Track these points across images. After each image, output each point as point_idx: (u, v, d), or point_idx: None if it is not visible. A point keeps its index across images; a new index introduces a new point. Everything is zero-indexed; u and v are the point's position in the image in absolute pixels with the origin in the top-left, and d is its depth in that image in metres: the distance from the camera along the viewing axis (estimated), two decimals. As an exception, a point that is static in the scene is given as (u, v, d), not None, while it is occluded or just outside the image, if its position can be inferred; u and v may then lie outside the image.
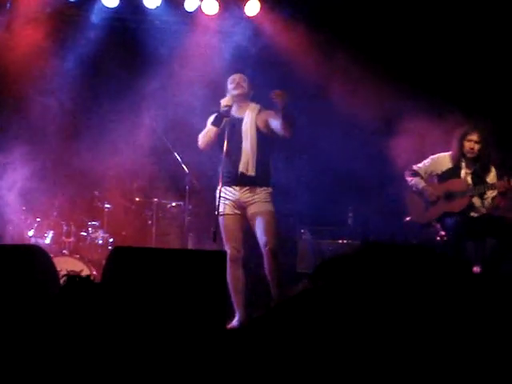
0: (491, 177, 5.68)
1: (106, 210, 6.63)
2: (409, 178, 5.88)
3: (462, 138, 5.67)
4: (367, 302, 0.65)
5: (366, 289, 0.66)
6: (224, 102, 5.29)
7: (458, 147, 5.69)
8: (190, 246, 6.79)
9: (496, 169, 5.71)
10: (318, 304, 0.69)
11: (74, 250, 6.30)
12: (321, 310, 0.68)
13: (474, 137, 5.64)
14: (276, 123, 5.25)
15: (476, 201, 5.65)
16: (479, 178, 5.67)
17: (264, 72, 6.61)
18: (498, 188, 5.48)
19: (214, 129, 5.31)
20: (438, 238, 5.85)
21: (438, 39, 6.98)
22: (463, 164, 5.74)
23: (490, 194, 5.59)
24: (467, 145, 5.65)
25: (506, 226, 5.40)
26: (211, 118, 5.41)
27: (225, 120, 5.27)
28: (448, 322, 0.64)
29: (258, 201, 5.26)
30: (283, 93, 5.05)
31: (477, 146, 5.64)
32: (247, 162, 5.24)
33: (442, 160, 5.82)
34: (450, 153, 5.79)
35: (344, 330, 0.65)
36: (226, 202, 5.25)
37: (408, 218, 5.97)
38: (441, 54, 7.02)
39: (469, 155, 5.66)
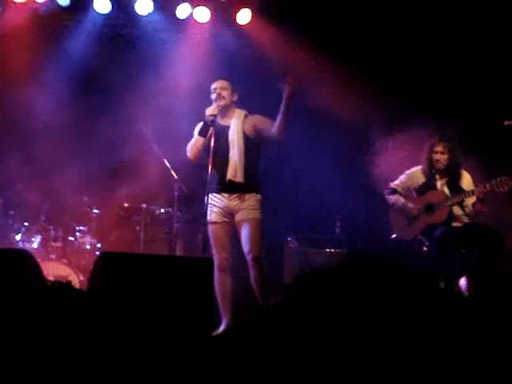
0: (466, 183, 5.73)
1: (95, 215, 6.62)
2: (388, 197, 5.95)
3: (430, 151, 5.75)
4: (340, 321, 0.66)
5: (341, 308, 0.67)
6: (209, 111, 5.24)
7: (427, 160, 5.77)
8: (178, 253, 6.78)
9: (469, 174, 5.77)
10: (288, 318, 0.70)
11: (61, 255, 6.28)
12: (290, 325, 0.69)
13: (440, 148, 5.72)
14: (268, 125, 5.22)
15: (456, 210, 5.70)
16: (455, 186, 5.73)
17: (254, 79, 6.65)
18: (476, 194, 5.52)
19: (201, 139, 5.29)
20: (425, 249, 5.89)
21: (410, 44, 7.07)
22: (437, 176, 5.80)
23: (469, 200, 5.63)
24: (434, 157, 5.73)
25: (490, 234, 5.44)
26: (197, 128, 5.41)
27: (211, 129, 5.24)
28: (427, 346, 0.65)
29: (246, 207, 5.26)
30: (294, 80, 4.99)
31: (443, 157, 5.71)
32: (235, 169, 5.22)
33: (417, 174, 5.89)
34: (421, 166, 5.87)
35: (312, 347, 0.66)
36: (214, 209, 5.25)
37: (393, 236, 6.01)
38: (413, 58, 7.10)
39: (437, 166, 5.73)
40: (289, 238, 7.01)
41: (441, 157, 5.70)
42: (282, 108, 5.07)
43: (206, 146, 5.28)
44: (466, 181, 5.74)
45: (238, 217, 5.27)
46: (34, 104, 6.79)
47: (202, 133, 5.28)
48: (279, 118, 5.10)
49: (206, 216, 5.24)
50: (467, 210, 5.65)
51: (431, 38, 7.00)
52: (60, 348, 1.08)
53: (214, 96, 5.33)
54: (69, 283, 1.12)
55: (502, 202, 5.83)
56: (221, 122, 5.33)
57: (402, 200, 5.88)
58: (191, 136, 5.43)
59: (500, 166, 5.83)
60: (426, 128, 6.14)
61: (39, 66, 6.98)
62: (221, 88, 5.34)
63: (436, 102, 6.86)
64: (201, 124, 5.37)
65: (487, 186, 5.41)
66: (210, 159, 5.23)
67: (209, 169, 5.32)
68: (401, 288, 0.70)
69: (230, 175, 5.22)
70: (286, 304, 0.70)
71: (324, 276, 0.73)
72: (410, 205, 5.83)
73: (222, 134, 5.27)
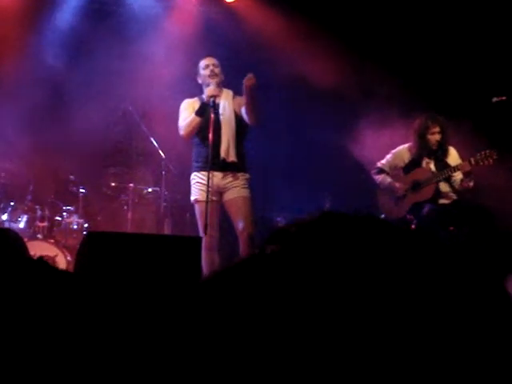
0: (453, 159, 5.70)
1: (81, 194, 6.58)
2: (375, 177, 5.93)
3: (425, 133, 5.67)
4: (313, 272, 0.63)
5: (314, 259, 0.64)
6: (210, 91, 5.19)
7: (421, 142, 5.69)
8: (165, 232, 6.76)
9: (455, 149, 5.75)
10: (260, 270, 0.66)
11: (48, 235, 6.24)
12: (261, 277, 0.65)
13: (437, 128, 5.66)
14: (244, 110, 5.26)
15: (443, 186, 5.69)
16: (441, 162, 5.71)
17: (241, 57, 6.60)
18: (461, 169, 5.51)
19: (198, 119, 5.24)
20: (413, 226, 5.89)
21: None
22: (425, 154, 5.76)
23: (457, 175, 5.62)
24: (432, 138, 5.67)
25: (480, 212, 5.42)
26: (185, 105, 5.36)
27: (210, 110, 5.18)
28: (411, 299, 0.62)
29: (237, 186, 5.26)
30: (253, 79, 5.03)
31: (439, 137, 5.67)
32: (228, 148, 5.22)
33: (403, 152, 5.87)
34: (408, 145, 5.83)
35: (285, 301, 0.62)
36: (202, 187, 5.22)
37: (382, 216, 6.00)
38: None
39: (434, 147, 5.69)
40: (278, 218, 6.99)
41: (438, 137, 5.67)
42: (245, 102, 5.17)
43: (202, 126, 5.24)
44: (453, 156, 5.73)
45: (230, 195, 5.26)
46: (19, 82, 6.70)
47: (200, 113, 5.23)
48: (244, 109, 5.19)
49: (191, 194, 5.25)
50: (456, 185, 5.65)
51: (414, 5, 6.93)
52: (46, 327, 1.05)
53: (207, 72, 5.30)
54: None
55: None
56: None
57: (388, 179, 5.88)
58: (178, 114, 5.39)
59: (487, 141, 5.77)
60: (410, 104, 6.08)
61: (24, 42, 6.88)
62: (213, 65, 5.32)
63: (423, 76, 6.82)
64: (191, 101, 5.34)
65: (472, 160, 5.41)
66: (201, 136, 5.22)
67: (197, 147, 5.31)
68: (382, 239, 0.66)
69: (223, 154, 5.20)
70: (258, 257, 0.67)
71: (302, 228, 0.70)
72: (397, 184, 5.83)
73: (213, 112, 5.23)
